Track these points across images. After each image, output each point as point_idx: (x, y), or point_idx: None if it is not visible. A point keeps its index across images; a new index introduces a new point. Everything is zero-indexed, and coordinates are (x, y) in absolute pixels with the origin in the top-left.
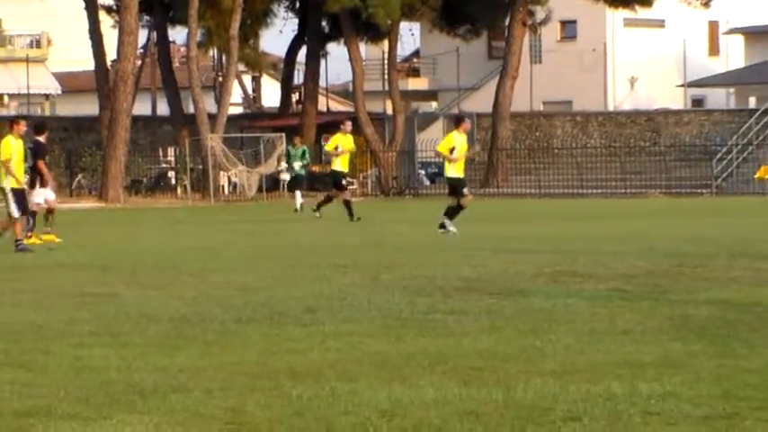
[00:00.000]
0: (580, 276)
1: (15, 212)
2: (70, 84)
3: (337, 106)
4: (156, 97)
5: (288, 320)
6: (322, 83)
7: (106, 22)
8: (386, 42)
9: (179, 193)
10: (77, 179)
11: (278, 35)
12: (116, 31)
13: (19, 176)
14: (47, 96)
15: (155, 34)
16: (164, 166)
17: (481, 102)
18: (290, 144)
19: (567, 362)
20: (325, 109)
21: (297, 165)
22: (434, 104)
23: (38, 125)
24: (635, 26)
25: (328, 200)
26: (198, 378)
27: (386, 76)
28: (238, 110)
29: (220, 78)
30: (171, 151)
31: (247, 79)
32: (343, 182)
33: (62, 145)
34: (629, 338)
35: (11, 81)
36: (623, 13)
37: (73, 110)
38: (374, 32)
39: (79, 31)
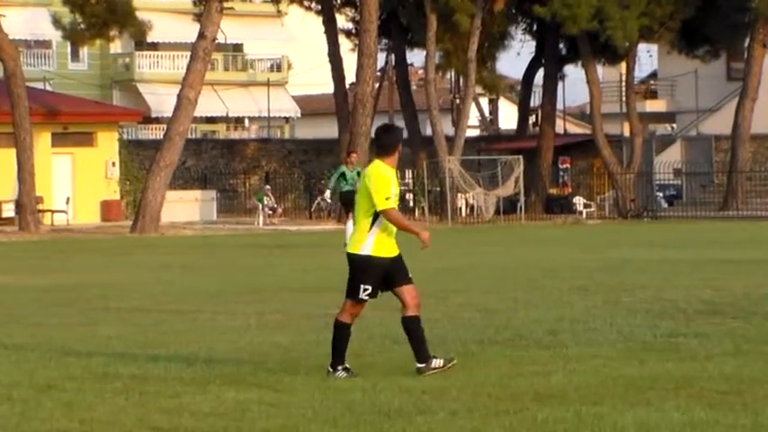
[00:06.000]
0: None
1: None
2: (309, 107)
3: (574, 128)
4: (393, 119)
5: (530, 343)
6: (559, 105)
7: (345, 45)
8: (623, 64)
9: (417, 215)
10: (317, 201)
11: (515, 57)
12: (355, 55)
13: None
14: (286, 119)
15: (393, 57)
16: (402, 188)
17: (720, 124)
18: (345, 164)
19: None
20: (562, 131)
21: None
22: (672, 126)
23: None
24: None
25: None
26: (442, 399)
27: (623, 98)
28: (475, 132)
29: (458, 101)
30: (408, 173)
31: (484, 101)
32: None
33: (301, 168)
34: None
35: (252, 104)
36: None
37: (311, 132)
38: (612, 54)
39: (318, 54)
